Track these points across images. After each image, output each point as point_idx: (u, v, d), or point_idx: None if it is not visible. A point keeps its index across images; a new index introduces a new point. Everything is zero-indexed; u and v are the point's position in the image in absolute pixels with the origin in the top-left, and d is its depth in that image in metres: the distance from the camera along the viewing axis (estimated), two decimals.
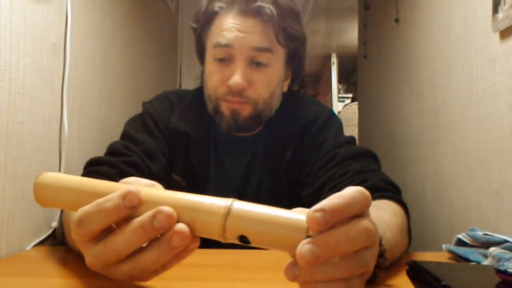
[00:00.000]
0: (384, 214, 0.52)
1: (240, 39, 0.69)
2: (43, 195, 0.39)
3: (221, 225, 0.32)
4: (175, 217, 0.33)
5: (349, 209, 0.30)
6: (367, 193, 0.31)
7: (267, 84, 0.73)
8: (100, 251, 0.34)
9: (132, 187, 0.34)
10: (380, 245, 0.43)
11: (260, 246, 0.32)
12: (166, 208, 0.32)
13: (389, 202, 0.58)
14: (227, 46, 0.70)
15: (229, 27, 0.71)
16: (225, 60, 0.71)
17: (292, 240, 0.30)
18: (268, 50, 0.71)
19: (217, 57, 0.71)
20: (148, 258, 0.33)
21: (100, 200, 0.34)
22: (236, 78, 0.69)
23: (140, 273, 0.34)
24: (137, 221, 0.33)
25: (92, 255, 0.35)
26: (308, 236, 0.30)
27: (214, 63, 0.72)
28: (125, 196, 0.33)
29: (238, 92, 0.70)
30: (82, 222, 0.34)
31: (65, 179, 0.38)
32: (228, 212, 0.32)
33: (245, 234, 0.32)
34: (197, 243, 0.34)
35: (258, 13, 0.70)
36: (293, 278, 0.30)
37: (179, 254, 0.35)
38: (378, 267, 0.44)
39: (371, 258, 0.31)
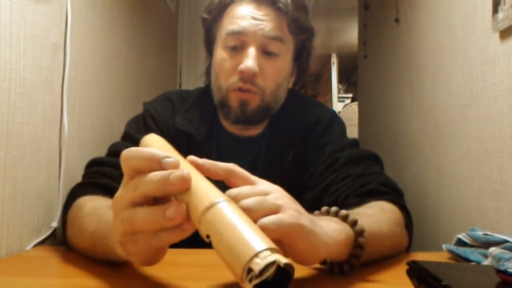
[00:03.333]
0: (369, 210, 0.54)
1: (254, 26, 0.70)
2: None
3: (199, 216, 0.33)
4: (189, 183, 0.34)
5: None
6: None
7: (276, 75, 0.73)
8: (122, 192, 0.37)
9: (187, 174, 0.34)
10: (362, 236, 0.44)
11: (218, 254, 0.32)
12: (186, 171, 0.34)
13: (379, 202, 0.58)
14: (240, 33, 0.70)
15: (243, 14, 0.71)
16: (237, 48, 0.71)
17: (233, 262, 0.30)
18: (280, 39, 0.72)
19: (230, 45, 0.72)
20: (141, 214, 0.34)
21: (150, 151, 0.36)
22: (249, 62, 0.69)
23: (143, 245, 0.35)
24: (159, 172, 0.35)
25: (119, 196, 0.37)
26: (249, 268, 0.29)
27: (225, 51, 0.73)
28: (171, 167, 0.35)
29: (249, 79, 0.70)
30: (125, 158, 0.36)
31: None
32: (209, 207, 0.33)
33: (210, 235, 0.32)
34: (191, 225, 0.34)
35: (272, 2, 0.71)
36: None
37: (174, 231, 0.34)
38: (354, 256, 0.45)
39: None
